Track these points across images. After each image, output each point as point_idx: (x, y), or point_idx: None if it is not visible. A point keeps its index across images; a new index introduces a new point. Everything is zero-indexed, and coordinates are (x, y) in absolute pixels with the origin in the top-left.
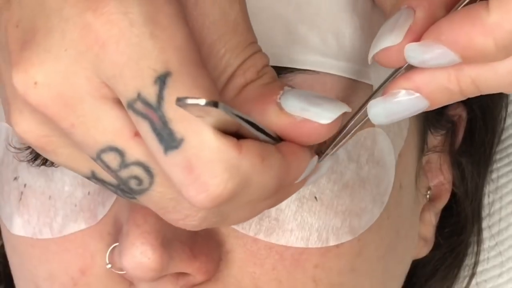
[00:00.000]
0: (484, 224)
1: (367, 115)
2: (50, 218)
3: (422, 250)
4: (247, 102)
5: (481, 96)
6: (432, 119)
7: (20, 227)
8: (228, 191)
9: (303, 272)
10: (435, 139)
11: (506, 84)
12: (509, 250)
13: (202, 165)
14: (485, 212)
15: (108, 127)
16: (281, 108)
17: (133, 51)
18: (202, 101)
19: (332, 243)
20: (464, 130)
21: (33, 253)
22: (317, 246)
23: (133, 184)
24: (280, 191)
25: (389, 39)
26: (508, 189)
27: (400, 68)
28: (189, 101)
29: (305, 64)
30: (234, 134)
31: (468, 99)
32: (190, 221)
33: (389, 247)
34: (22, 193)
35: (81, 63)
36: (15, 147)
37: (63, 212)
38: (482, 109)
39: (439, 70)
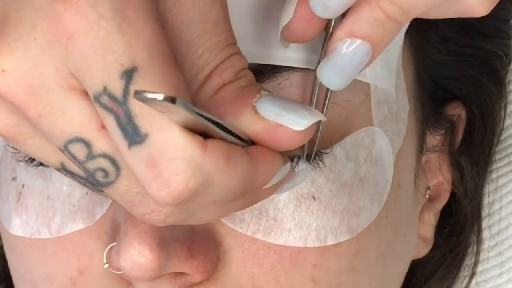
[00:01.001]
0: (484, 224)
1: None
2: (48, 218)
3: (422, 250)
4: (223, 103)
5: (480, 96)
6: (431, 119)
7: (18, 227)
8: (190, 189)
9: (302, 272)
10: (434, 139)
11: (423, 1)
12: (509, 250)
13: (165, 162)
14: (485, 212)
15: (75, 118)
16: (256, 112)
17: (100, 44)
18: (160, 96)
19: (330, 242)
20: (463, 130)
21: (31, 253)
22: (315, 246)
23: (99, 176)
24: (248, 195)
25: (284, 18)
26: (508, 189)
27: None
28: (148, 95)
29: (301, 62)
30: (201, 133)
31: (467, 99)
32: (156, 215)
33: (388, 246)
34: (20, 193)
35: (50, 53)
36: (13, 147)
37: (61, 212)
38: (480, 109)
39: (361, 5)
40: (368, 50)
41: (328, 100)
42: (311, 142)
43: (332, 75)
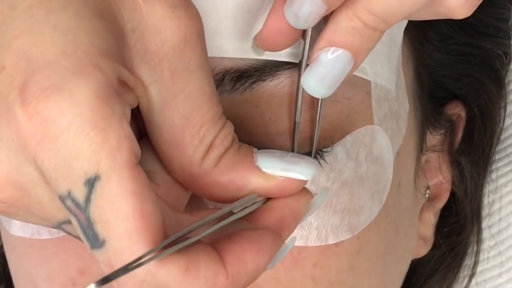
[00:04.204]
0: (484, 224)
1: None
2: None
3: (422, 250)
4: (228, 172)
5: (480, 95)
6: (431, 118)
7: (18, 227)
8: None
9: (302, 271)
10: (434, 138)
11: (396, 7)
12: (509, 250)
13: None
14: (484, 212)
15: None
16: (262, 172)
17: (67, 151)
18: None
19: (331, 241)
20: (463, 130)
21: (31, 254)
22: (316, 245)
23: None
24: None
25: (257, 26)
26: (508, 189)
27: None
28: None
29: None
30: None
31: (466, 98)
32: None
33: (388, 245)
34: None
35: (24, 154)
36: None
37: None
38: (480, 109)
39: (337, 14)
40: (350, 58)
41: (321, 106)
42: (311, 139)
43: (315, 83)
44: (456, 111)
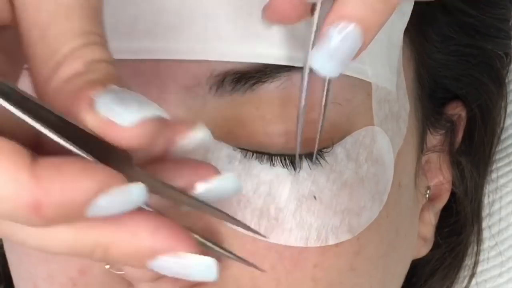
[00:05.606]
0: (484, 224)
1: None
2: None
3: (422, 250)
4: (68, 95)
5: (480, 95)
6: (431, 119)
7: None
8: None
9: (302, 272)
10: (434, 138)
11: None
12: (509, 250)
13: None
14: (485, 212)
15: None
16: (91, 106)
17: None
18: None
19: (331, 242)
20: (463, 130)
21: (32, 253)
22: (316, 246)
23: None
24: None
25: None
26: (508, 189)
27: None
28: None
29: (302, 62)
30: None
31: (467, 99)
32: None
33: (389, 246)
34: None
35: None
36: None
37: None
38: (481, 109)
39: None
40: (360, 34)
41: (326, 95)
42: (312, 140)
43: (324, 60)
44: (457, 111)
